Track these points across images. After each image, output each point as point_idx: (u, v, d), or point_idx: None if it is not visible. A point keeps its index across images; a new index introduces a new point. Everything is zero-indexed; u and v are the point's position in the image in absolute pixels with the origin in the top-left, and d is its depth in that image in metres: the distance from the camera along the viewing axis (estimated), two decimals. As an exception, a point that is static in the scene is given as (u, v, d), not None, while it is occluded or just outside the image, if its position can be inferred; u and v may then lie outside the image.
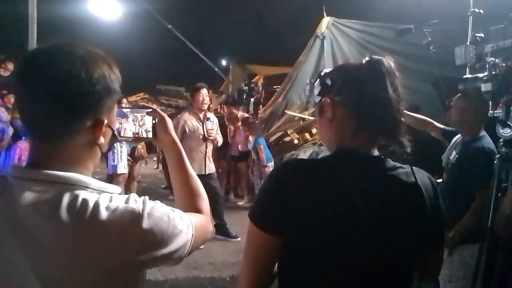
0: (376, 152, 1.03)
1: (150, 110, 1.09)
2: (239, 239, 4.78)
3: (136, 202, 0.79)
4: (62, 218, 0.71)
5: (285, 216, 0.95)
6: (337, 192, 0.95)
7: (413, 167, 1.00)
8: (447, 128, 2.73)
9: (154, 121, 1.09)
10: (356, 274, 0.94)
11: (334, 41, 7.76)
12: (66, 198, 0.73)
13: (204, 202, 1.04)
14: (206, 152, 4.77)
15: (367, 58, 1.02)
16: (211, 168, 4.86)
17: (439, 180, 2.52)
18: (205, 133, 4.74)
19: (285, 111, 7.63)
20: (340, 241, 0.93)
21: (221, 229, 4.82)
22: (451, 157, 2.54)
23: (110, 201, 0.76)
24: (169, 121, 1.09)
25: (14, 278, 0.73)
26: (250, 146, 6.56)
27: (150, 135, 1.10)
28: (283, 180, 0.97)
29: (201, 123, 4.75)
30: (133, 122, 1.10)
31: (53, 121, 0.76)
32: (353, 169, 0.97)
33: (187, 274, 3.79)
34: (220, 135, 5.07)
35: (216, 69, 14.94)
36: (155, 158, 11.25)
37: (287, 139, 7.09)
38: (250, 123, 6.63)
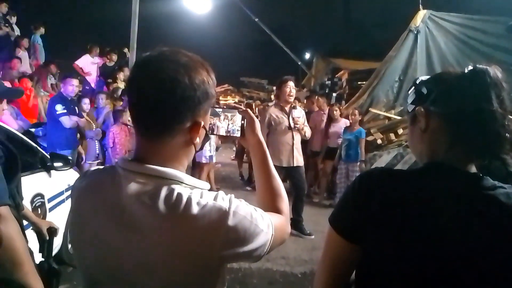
0: (473, 169, 0.94)
1: (242, 110, 1.14)
2: (313, 237, 4.75)
3: (223, 200, 0.84)
4: (159, 208, 0.79)
5: (365, 225, 0.93)
6: (423, 208, 0.89)
7: None
8: None
9: (243, 122, 1.14)
10: None
11: (429, 35, 7.21)
12: (163, 191, 0.81)
13: (284, 203, 1.06)
14: (293, 144, 4.69)
15: (470, 67, 0.94)
16: (299, 161, 4.76)
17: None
18: (292, 121, 4.68)
19: (370, 109, 7.33)
20: (421, 257, 0.88)
21: (296, 224, 4.81)
22: None
23: (201, 197, 0.82)
24: (257, 123, 1.13)
25: (108, 257, 0.83)
26: (342, 138, 6.15)
27: (238, 134, 1.15)
28: (367, 189, 0.94)
29: (286, 116, 4.73)
30: (224, 120, 1.17)
31: (158, 122, 0.84)
32: (444, 185, 0.90)
33: (260, 265, 3.88)
34: (308, 127, 4.98)
35: (299, 63, 14.89)
36: (234, 148, 11.63)
37: (369, 138, 6.79)
38: (360, 114, 6.24)
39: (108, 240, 0.83)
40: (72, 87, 5.29)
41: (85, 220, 0.87)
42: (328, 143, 6.64)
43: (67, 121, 5.13)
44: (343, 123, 6.50)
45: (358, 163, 5.97)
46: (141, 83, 0.84)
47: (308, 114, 7.10)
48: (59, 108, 5.10)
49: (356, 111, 6.26)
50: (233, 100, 19.46)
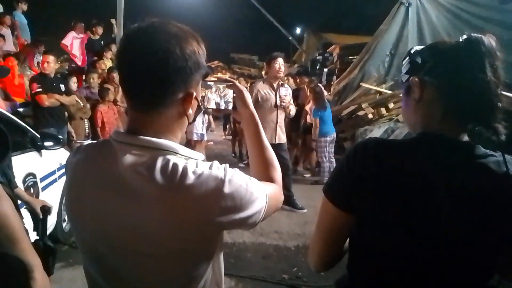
0: (465, 138, 0.96)
1: (231, 83, 1.13)
2: (305, 211, 4.83)
3: (218, 169, 0.85)
4: (156, 179, 0.80)
5: (359, 195, 0.94)
6: (417, 177, 0.90)
7: (505, 156, 0.92)
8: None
9: (234, 94, 1.13)
10: (429, 259, 0.91)
11: (420, 8, 7.14)
12: (159, 162, 0.81)
13: (277, 172, 1.09)
14: (277, 122, 4.77)
15: (464, 36, 0.94)
16: (281, 138, 4.85)
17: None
18: (278, 99, 4.72)
19: (361, 83, 7.32)
20: (414, 227, 0.90)
21: (288, 199, 4.86)
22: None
23: (197, 166, 0.83)
24: (247, 95, 1.13)
25: (108, 228, 0.84)
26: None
27: (230, 106, 1.15)
28: (361, 159, 0.95)
29: (274, 92, 4.75)
30: (216, 93, 1.16)
31: (151, 94, 0.83)
32: (437, 154, 0.92)
33: (253, 239, 3.96)
34: (293, 105, 5.03)
35: (290, 38, 14.71)
36: (227, 125, 11.55)
37: (361, 113, 6.82)
38: (316, 93, 6.23)
39: (107, 211, 0.83)
40: (47, 64, 5.18)
41: (82, 192, 0.87)
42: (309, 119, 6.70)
43: (43, 100, 5.06)
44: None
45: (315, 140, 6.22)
46: (133, 55, 0.82)
47: (298, 91, 7.07)
48: (34, 87, 5.05)
49: (311, 90, 6.33)
50: (224, 76, 19.26)
